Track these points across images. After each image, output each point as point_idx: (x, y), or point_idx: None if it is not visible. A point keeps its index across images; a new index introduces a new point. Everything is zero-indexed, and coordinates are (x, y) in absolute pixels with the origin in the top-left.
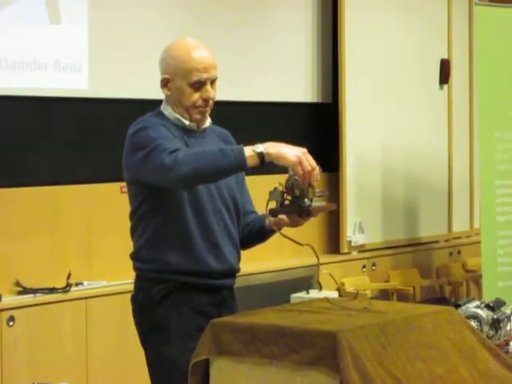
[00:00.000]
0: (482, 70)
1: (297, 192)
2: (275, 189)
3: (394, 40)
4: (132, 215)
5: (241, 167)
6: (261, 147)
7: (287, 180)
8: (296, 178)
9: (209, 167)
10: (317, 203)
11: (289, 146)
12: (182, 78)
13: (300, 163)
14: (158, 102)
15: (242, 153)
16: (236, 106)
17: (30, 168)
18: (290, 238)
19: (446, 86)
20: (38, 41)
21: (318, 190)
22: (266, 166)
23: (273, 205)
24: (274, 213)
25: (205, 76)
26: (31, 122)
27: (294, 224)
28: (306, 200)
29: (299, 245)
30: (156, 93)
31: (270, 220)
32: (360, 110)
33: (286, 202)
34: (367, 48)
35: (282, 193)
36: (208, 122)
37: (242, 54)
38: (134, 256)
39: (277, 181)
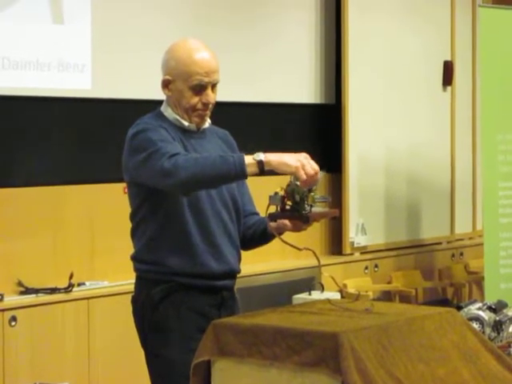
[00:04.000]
0: (486, 72)
1: (297, 197)
2: (276, 193)
3: (398, 41)
4: (132, 217)
5: (240, 175)
6: (261, 155)
7: (288, 185)
8: (297, 183)
9: (208, 173)
10: (317, 209)
11: (289, 154)
12: (184, 81)
13: (303, 167)
14: (162, 103)
15: (242, 160)
16: (239, 107)
17: (33, 168)
18: (289, 244)
19: (449, 88)
20: (40, 40)
21: (318, 195)
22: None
23: (273, 209)
24: (272, 218)
25: (206, 80)
26: (34, 122)
27: (296, 229)
28: (306, 206)
29: (299, 250)
30: (160, 93)
31: (270, 225)
32: (363, 111)
33: (287, 207)
34: (370, 49)
35: (283, 198)
36: (207, 122)
37: (245, 54)
38: (135, 257)
39: (279, 182)
